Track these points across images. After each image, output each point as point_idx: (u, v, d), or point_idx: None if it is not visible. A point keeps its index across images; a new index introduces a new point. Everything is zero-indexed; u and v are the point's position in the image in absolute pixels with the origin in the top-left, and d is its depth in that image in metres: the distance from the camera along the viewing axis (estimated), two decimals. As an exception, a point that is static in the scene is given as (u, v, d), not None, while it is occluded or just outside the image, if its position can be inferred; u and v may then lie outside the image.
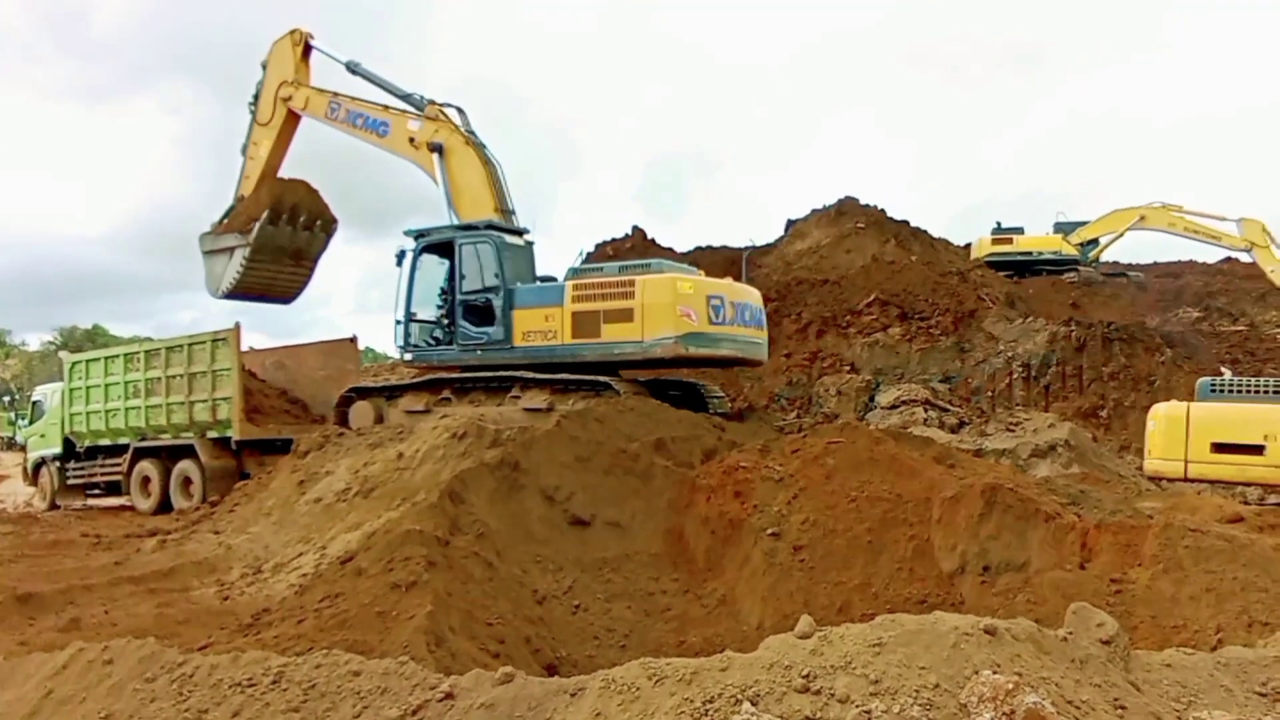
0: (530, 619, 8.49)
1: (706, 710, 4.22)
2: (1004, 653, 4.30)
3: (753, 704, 4.09)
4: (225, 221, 18.95)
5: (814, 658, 4.35)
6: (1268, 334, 27.90)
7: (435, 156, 15.55)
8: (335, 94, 17.32)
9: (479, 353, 14.74)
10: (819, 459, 10.32)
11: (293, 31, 17.87)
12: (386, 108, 16.54)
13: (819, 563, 9.23)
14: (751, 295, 15.60)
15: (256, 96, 18.18)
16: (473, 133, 15.79)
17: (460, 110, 15.97)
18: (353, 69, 17.18)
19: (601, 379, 13.67)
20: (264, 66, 18.16)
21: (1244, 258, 32.61)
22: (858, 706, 3.99)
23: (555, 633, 8.57)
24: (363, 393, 16.13)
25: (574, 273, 14.75)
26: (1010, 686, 3.68)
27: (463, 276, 15.01)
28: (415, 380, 15.83)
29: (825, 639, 4.46)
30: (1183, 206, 31.86)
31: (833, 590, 9.01)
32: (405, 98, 16.21)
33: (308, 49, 17.80)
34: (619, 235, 33.18)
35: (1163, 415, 15.88)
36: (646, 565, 9.83)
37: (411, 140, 15.92)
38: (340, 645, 6.35)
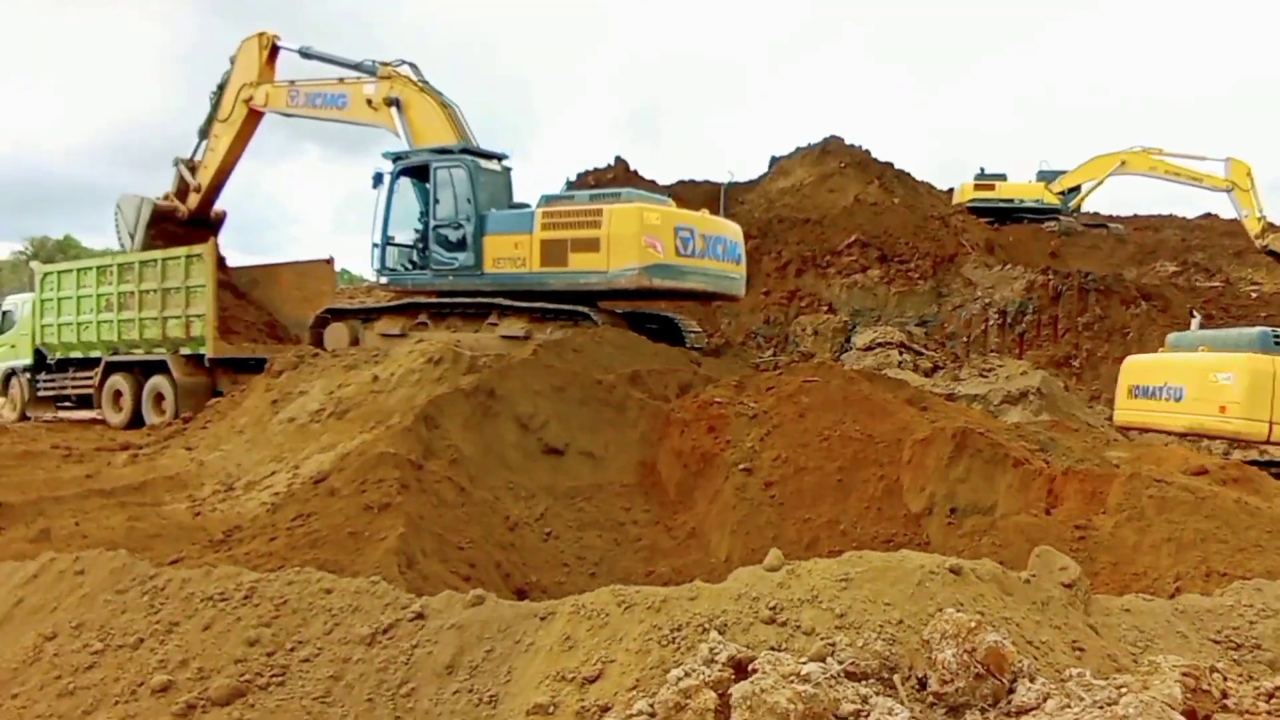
0: (501, 544, 8.55)
1: (674, 638, 4.28)
2: (968, 592, 4.38)
3: (720, 633, 4.16)
4: (164, 198, 19.65)
5: (781, 590, 4.42)
6: (1243, 291, 28.11)
7: (394, 111, 15.58)
8: (292, 82, 17.52)
9: (450, 278, 14.68)
10: (793, 397, 10.38)
11: (260, 34, 17.93)
12: (341, 80, 16.66)
13: (789, 499, 9.32)
14: (728, 229, 15.36)
15: (220, 88, 18.18)
16: (426, 82, 15.76)
17: (412, 65, 16.05)
18: (305, 54, 17.30)
19: (580, 309, 13.65)
20: (231, 61, 18.15)
21: (1223, 209, 32.65)
22: (822, 639, 4.06)
23: (526, 559, 8.64)
24: (338, 314, 16.06)
25: (546, 200, 14.57)
26: (972, 625, 3.75)
27: (436, 201, 14.89)
28: (392, 304, 15.75)
29: (793, 572, 4.53)
30: (1162, 150, 31.75)
31: (801, 526, 9.11)
32: (357, 66, 16.29)
33: (274, 51, 17.82)
34: (601, 165, 32.92)
35: (1245, 369, 14.35)
36: (618, 495, 9.91)
37: (369, 103, 15.96)
38: (312, 564, 6.37)
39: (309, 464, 10.46)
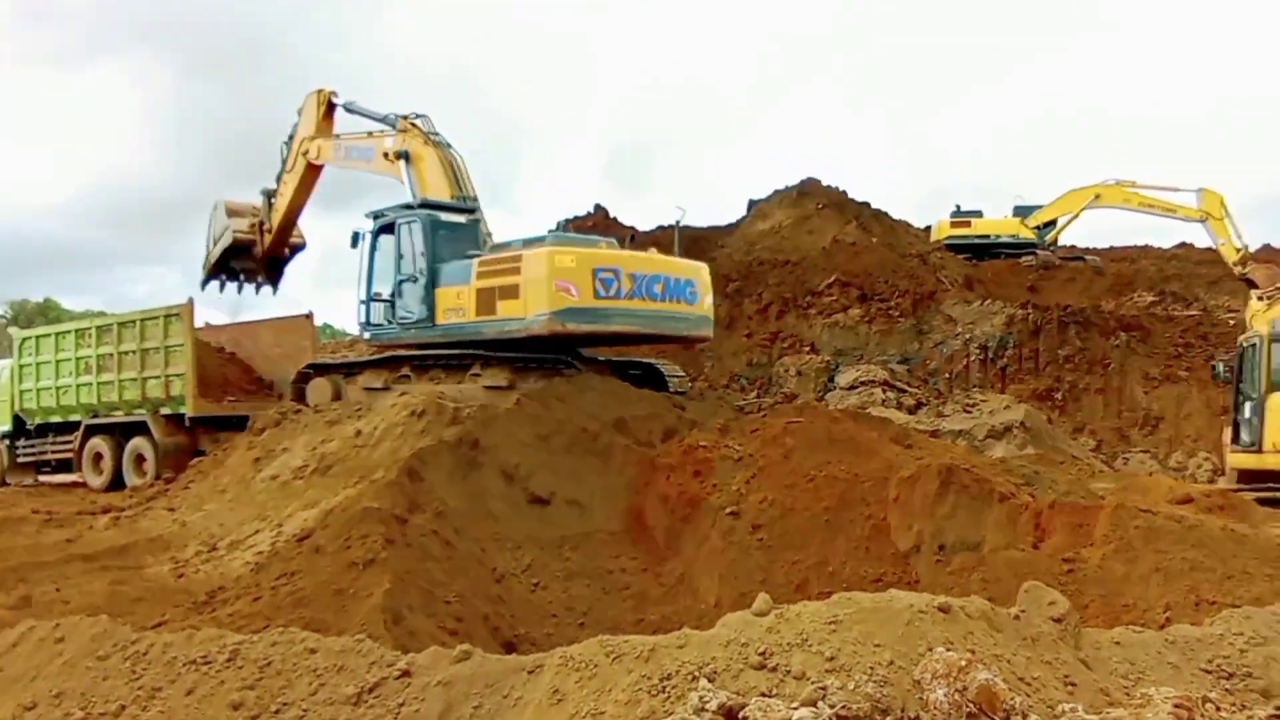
0: (489, 597, 8.49)
1: (664, 687, 4.24)
2: (958, 630, 4.36)
3: (709, 680, 4.12)
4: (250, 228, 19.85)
5: (771, 635, 4.38)
6: (1220, 318, 28.30)
7: (401, 164, 15.82)
8: (338, 136, 17.87)
9: (413, 331, 14.75)
10: (778, 439, 10.38)
11: (319, 91, 18.28)
12: (370, 134, 17.02)
13: (777, 541, 9.29)
14: (673, 267, 14.70)
15: (289, 140, 18.67)
16: (435, 133, 16.04)
17: (423, 117, 16.30)
18: (347, 108, 17.70)
19: (563, 357, 13.65)
20: (299, 114, 18.60)
21: (1198, 238, 32.96)
22: (813, 683, 4.03)
23: (514, 611, 8.57)
24: (321, 369, 16.01)
25: (492, 249, 14.62)
26: (963, 663, 3.73)
27: (400, 256, 15.01)
28: (374, 357, 15.72)
29: (782, 617, 4.50)
30: (1135, 182, 32.03)
31: (790, 569, 9.07)
32: (383, 120, 16.66)
33: (330, 107, 18.16)
34: (581, 214, 33.07)
35: None
36: (606, 544, 9.85)
37: (386, 155, 16.25)
38: (297, 623, 6.32)
39: (293, 522, 10.37)
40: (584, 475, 10.39)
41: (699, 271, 15.02)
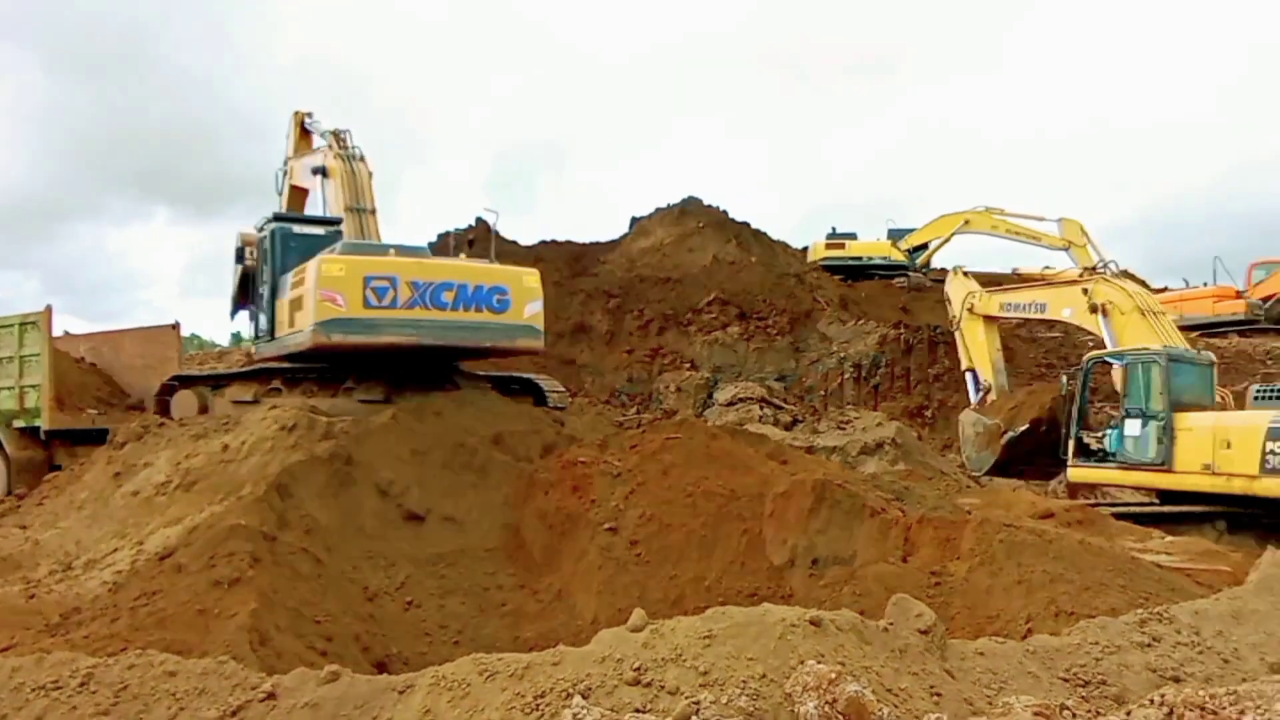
0: (360, 616, 8.30)
1: (537, 705, 4.20)
2: (828, 643, 4.42)
3: (584, 697, 4.10)
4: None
5: (645, 650, 4.38)
6: (1080, 340, 29.51)
7: (319, 179, 15.76)
8: (303, 157, 17.78)
9: (259, 344, 14.55)
10: (657, 454, 10.42)
11: (295, 112, 18.15)
12: (315, 150, 16.97)
13: (654, 557, 9.31)
14: (471, 273, 13.53)
15: (284, 162, 18.41)
16: (346, 147, 15.95)
17: (348, 131, 16.33)
18: (307, 127, 17.70)
19: (441, 371, 13.47)
20: (285, 137, 18.39)
21: (1062, 261, 34.34)
22: (687, 697, 4.04)
23: (386, 630, 8.40)
24: (186, 381, 15.45)
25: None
26: (833, 676, 3.79)
27: (261, 268, 14.78)
28: (243, 369, 15.26)
29: (657, 632, 4.50)
30: (1004, 210, 33.24)
31: (667, 584, 9.10)
32: (323, 135, 16.64)
33: (306, 128, 18.00)
34: (463, 226, 32.76)
35: None
36: (482, 560, 9.73)
37: (312, 172, 16.08)
38: (157, 645, 6.07)
39: (154, 539, 9.96)
40: (461, 491, 10.26)
41: (516, 278, 13.85)
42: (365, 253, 13.35)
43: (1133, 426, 15.22)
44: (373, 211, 15.54)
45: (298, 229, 14.68)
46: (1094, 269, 21.08)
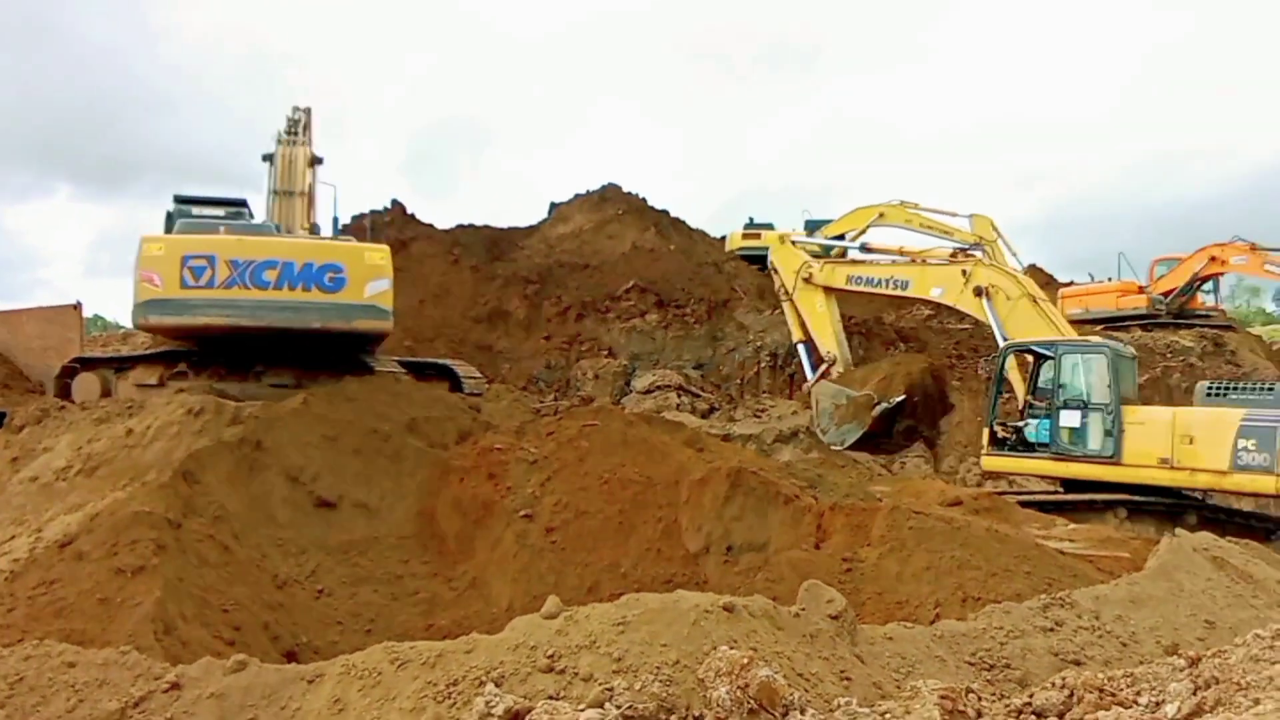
0: (269, 604, 8.14)
1: (450, 693, 4.17)
2: (741, 629, 4.45)
3: (496, 685, 4.07)
4: None
5: (559, 638, 4.37)
6: (988, 333, 30.18)
7: (268, 165, 15.47)
8: None
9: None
10: (573, 441, 10.40)
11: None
12: None
13: (570, 544, 9.30)
14: (297, 250, 12.86)
15: None
16: (294, 130, 15.68)
17: (308, 109, 16.16)
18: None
19: (354, 355, 13.28)
20: None
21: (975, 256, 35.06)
22: (600, 684, 4.04)
23: (296, 618, 8.25)
24: (88, 364, 14.97)
25: None
26: (745, 661, 3.81)
27: None
28: (148, 352, 14.85)
29: (571, 619, 4.49)
30: (919, 204, 33.75)
31: (583, 571, 9.10)
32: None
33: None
34: (379, 208, 32.25)
35: None
36: (395, 548, 9.62)
37: (263, 159, 15.74)
38: (56, 635, 5.90)
39: (54, 526, 9.63)
40: (373, 478, 10.12)
41: (354, 255, 12.99)
42: (199, 231, 12.81)
43: (1070, 418, 15.36)
44: (302, 194, 15.16)
45: (196, 210, 14.32)
46: (965, 250, 20.09)
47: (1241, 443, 14.05)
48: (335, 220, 16.32)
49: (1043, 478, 16.50)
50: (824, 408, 19.18)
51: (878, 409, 18.81)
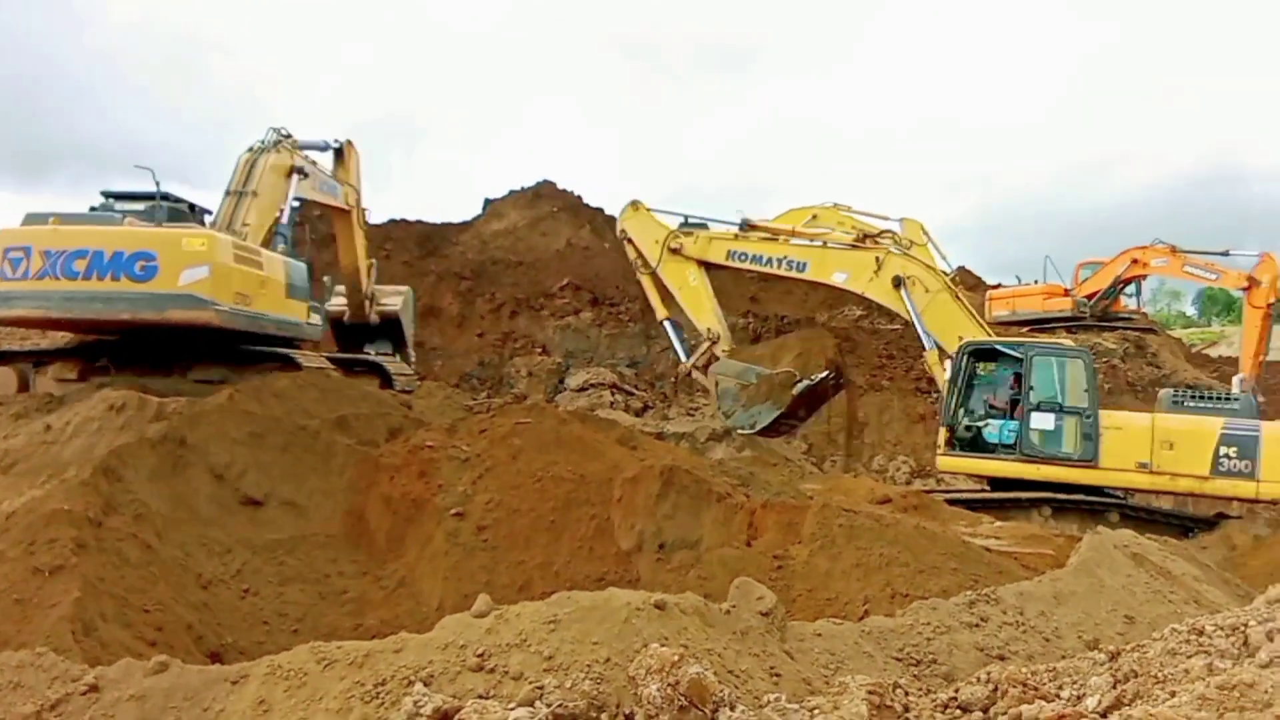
0: (193, 605, 7.98)
1: (378, 693, 4.12)
2: (672, 626, 4.46)
3: (425, 685, 4.03)
4: None
5: (489, 636, 4.34)
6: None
7: None
8: None
9: None
10: (506, 439, 10.33)
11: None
12: None
13: (502, 542, 9.24)
14: (108, 238, 12.36)
15: None
16: (280, 141, 15.69)
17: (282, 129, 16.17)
18: None
19: (282, 351, 13.09)
20: None
21: None
22: (531, 683, 4.02)
23: (221, 619, 8.10)
24: (5, 357, 14.59)
25: None
26: (675, 658, 3.82)
27: None
28: (68, 345, 14.50)
29: (501, 618, 4.47)
30: (851, 207, 34.11)
31: (515, 570, 9.05)
32: None
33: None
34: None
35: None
36: (323, 546, 9.48)
37: None
38: (-33, 638, 5.72)
39: (-33, 526, 9.38)
40: (301, 475, 9.96)
41: (169, 242, 12.37)
42: (37, 222, 12.53)
43: (1043, 420, 15.50)
44: (254, 194, 14.92)
45: (119, 205, 14.05)
46: (871, 237, 18.74)
47: (1224, 450, 14.85)
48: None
49: (1006, 481, 16.40)
50: (727, 388, 17.44)
51: (799, 386, 17.44)
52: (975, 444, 15.90)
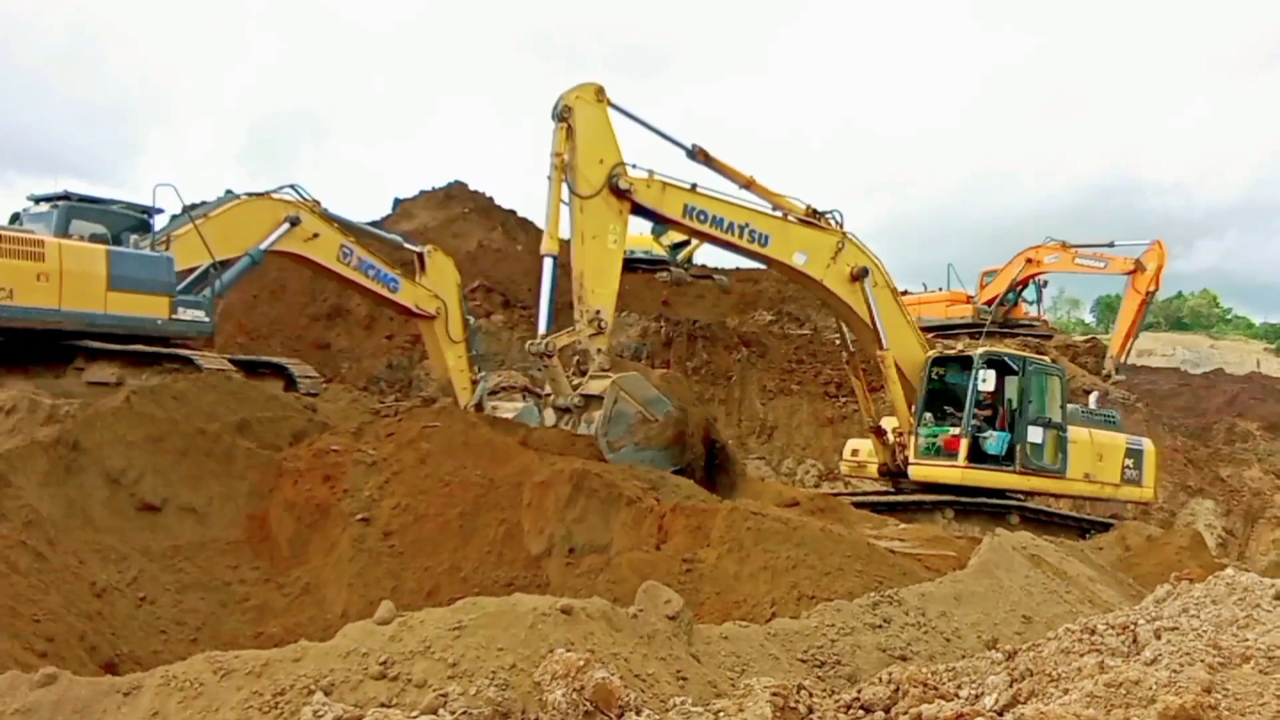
0: (86, 614, 7.72)
1: (276, 703, 4.03)
2: (578, 631, 4.45)
3: (326, 694, 3.96)
4: None
5: (393, 644, 4.28)
6: (828, 339, 31.12)
7: None
8: None
9: None
10: (414, 443, 10.21)
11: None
12: None
13: (409, 548, 9.13)
14: None
15: None
16: None
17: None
18: None
19: (182, 353, 12.75)
20: None
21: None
22: (435, 690, 3.97)
23: (116, 628, 7.85)
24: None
25: None
26: (581, 663, 3.81)
27: None
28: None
29: (405, 624, 4.41)
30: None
31: (422, 575, 8.95)
32: None
33: None
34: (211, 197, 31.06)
35: None
36: (224, 553, 9.26)
37: None
38: None
39: None
40: (202, 480, 9.70)
41: None
42: None
43: (1035, 434, 15.90)
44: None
45: (33, 209, 13.83)
46: (821, 215, 15.55)
47: (1127, 461, 16.63)
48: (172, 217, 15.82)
49: (1021, 493, 16.67)
50: (624, 411, 12.51)
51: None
52: (1002, 457, 15.78)
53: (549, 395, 13.54)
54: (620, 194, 13.25)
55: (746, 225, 14.49)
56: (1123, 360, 29.91)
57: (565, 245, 13.77)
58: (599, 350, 13.32)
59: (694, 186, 14.24)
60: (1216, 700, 3.30)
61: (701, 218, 14.19)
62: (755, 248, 14.66)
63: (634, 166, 13.60)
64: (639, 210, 13.94)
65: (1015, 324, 31.71)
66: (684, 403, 12.69)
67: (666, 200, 13.88)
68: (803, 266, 15.00)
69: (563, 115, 13.11)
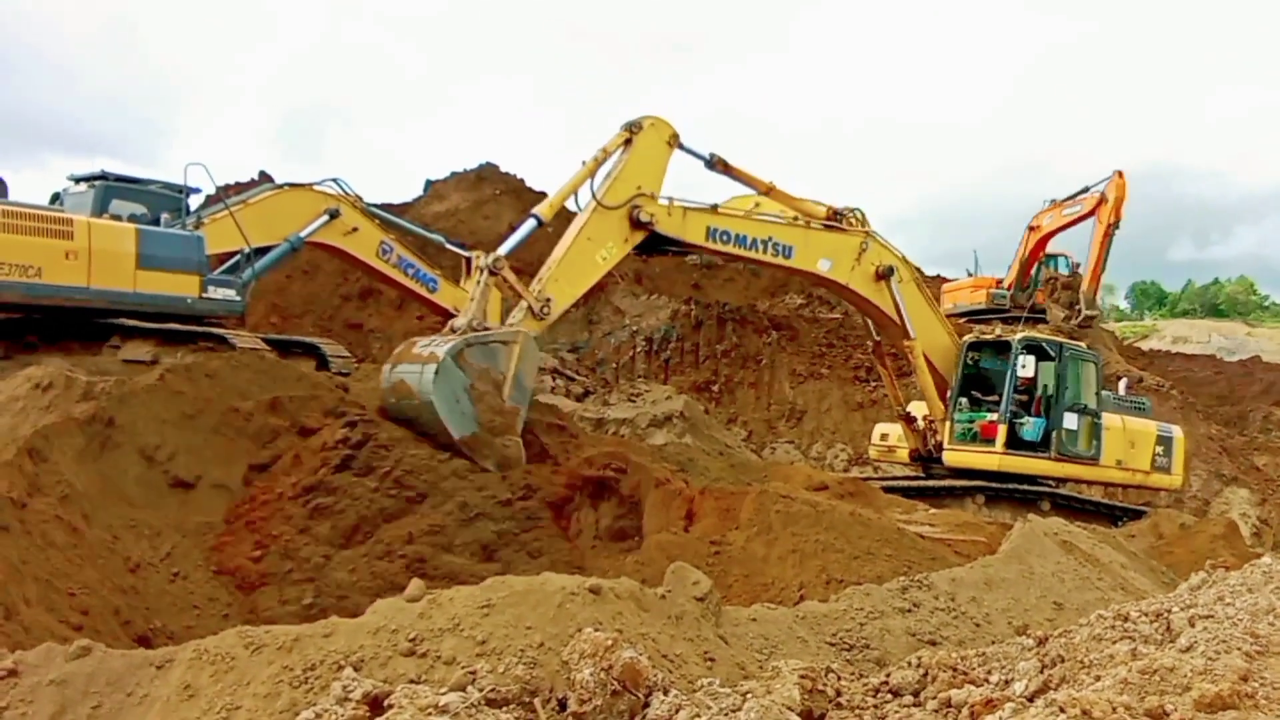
0: (121, 588, 7.82)
1: (306, 678, 4.06)
2: (606, 611, 4.45)
3: (355, 669, 3.98)
4: None
5: (422, 621, 4.30)
6: (858, 323, 30.93)
7: None
8: None
9: None
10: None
11: None
12: None
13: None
14: None
15: None
16: None
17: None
18: None
19: (217, 331, 12.85)
20: None
21: None
22: (463, 667, 3.98)
23: (149, 603, 7.95)
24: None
25: None
26: (609, 643, 3.80)
27: None
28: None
29: (434, 602, 4.43)
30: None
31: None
32: None
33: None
34: (246, 179, 31.27)
35: None
36: (256, 530, 9.34)
37: None
38: (-119, 623, 5.55)
39: (-116, 506, 9.09)
40: (234, 458, 9.79)
41: None
42: None
43: (1071, 420, 15.89)
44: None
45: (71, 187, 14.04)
46: (844, 215, 15.81)
47: (1157, 449, 16.65)
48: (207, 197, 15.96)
49: (1055, 479, 16.68)
50: (498, 365, 10.80)
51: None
52: (1038, 443, 15.79)
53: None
54: (638, 225, 13.29)
55: (770, 239, 14.70)
56: (1094, 298, 29.80)
57: (557, 223, 14.23)
58: (533, 329, 12.22)
59: (715, 207, 14.31)
60: (1254, 689, 3.26)
61: (725, 238, 14.27)
62: (780, 261, 14.84)
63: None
64: (661, 241, 13.97)
65: (1041, 311, 31.33)
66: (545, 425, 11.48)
67: (689, 226, 13.87)
68: (828, 273, 15.02)
69: (631, 129, 13.27)
